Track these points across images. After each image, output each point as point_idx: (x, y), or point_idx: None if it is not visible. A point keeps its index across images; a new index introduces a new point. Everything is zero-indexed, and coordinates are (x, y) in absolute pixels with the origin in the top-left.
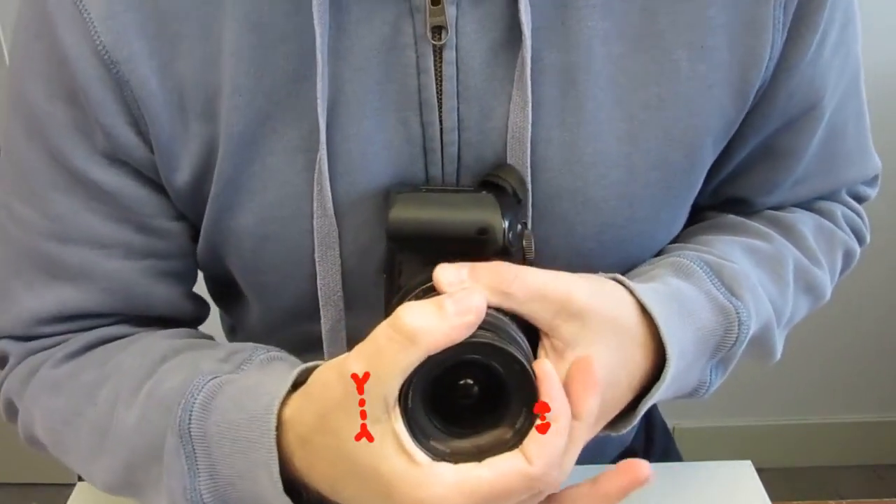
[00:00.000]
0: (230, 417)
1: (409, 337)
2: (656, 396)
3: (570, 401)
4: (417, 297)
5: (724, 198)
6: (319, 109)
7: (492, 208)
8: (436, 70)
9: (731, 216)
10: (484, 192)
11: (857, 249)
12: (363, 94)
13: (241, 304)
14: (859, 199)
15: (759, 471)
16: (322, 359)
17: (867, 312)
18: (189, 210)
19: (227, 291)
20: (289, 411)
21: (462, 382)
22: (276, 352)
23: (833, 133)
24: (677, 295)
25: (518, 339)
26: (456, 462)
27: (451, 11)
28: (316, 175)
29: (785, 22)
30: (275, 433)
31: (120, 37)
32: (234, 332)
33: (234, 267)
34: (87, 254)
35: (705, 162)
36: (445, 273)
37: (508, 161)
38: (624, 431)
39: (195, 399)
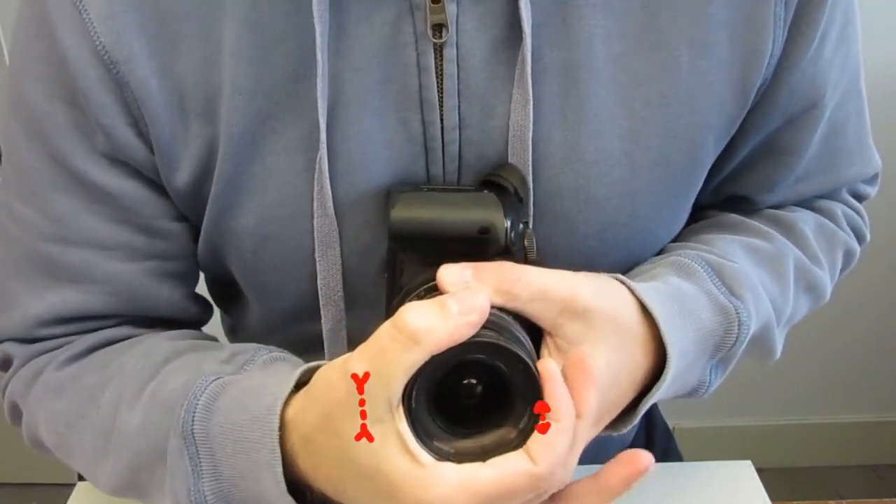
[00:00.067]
0: (233, 418)
1: (412, 337)
2: (657, 396)
3: (572, 398)
4: (420, 297)
5: (725, 196)
6: (320, 109)
7: (493, 207)
8: (436, 69)
9: (732, 215)
10: (485, 192)
11: (858, 249)
12: (363, 93)
13: (241, 305)
14: (859, 197)
15: (759, 471)
16: (323, 359)
17: (867, 312)
18: (189, 210)
19: (227, 292)
20: (292, 412)
21: (466, 382)
22: (278, 352)
23: (834, 131)
24: (678, 294)
25: (522, 338)
26: (460, 462)
27: (451, 9)
28: (316, 175)
29: (786, 19)
30: (277, 433)
31: (120, 37)
32: (235, 332)
33: (235, 267)
34: (88, 255)
35: (707, 160)
36: (449, 273)
37: (510, 160)
38: (624, 431)
39: (198, 400)
